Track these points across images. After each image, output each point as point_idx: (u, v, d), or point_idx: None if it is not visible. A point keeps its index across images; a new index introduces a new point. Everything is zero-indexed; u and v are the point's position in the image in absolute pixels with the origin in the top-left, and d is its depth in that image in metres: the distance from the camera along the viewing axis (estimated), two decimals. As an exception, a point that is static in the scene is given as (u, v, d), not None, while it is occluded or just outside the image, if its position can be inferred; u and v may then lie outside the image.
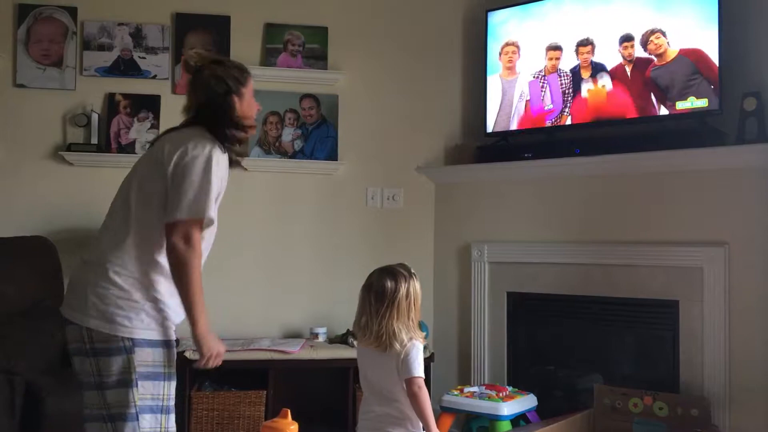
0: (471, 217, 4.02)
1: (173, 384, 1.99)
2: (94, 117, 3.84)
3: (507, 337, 3.85)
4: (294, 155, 4.02)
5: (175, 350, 2.01)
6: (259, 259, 3.97)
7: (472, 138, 4.11)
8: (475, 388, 3.41)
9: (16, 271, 3.38)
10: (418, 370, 2.17)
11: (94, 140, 3.83)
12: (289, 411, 2.47)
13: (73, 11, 3.91)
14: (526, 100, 3.86)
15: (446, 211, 4.13)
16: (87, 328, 1.90)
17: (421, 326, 3.84)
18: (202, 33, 3.99)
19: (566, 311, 3.72)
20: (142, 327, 1.92)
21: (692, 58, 3.32)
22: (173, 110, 3.92)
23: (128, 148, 3.89)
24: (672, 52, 3.39)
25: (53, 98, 3.86)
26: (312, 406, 3.59)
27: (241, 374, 3.52)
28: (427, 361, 3.70)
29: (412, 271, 2.28)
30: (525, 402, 3.32)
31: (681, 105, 3.36)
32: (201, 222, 1.94)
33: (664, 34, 3.42)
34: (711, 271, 3.20)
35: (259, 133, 4.00)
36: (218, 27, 4.00)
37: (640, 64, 3.48)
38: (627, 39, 3.52)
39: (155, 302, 1.95)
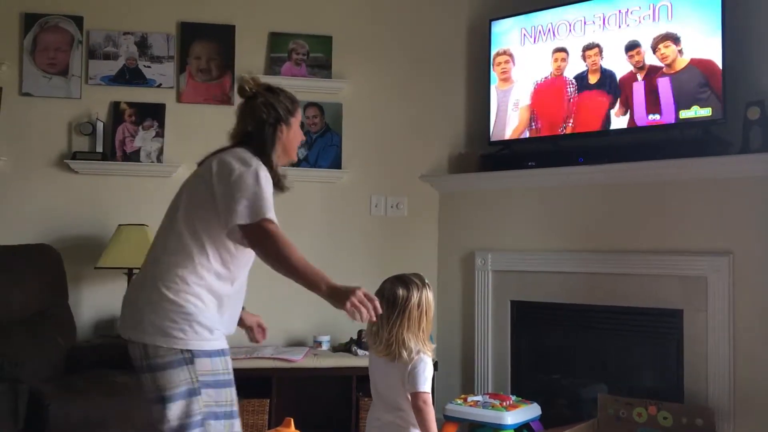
0: (475, 225, 4.02)
1: (234, 389, 2.01)
2: (100, 125, 3.86)
3: (510, 345, 3.84)
4: (298, 163, 4.03)
5: (230, 357, 2.03)
6: (263, 267, 3.95)
7: (476, 146, 4.11)
8: (478, 397, 3.40)
9: (21, 278, 3.39)
10: (424, 386, 2.14)
11: (99, 148, 3.85)
12: (292, 420, 2.47)
13: (79, 20, 3.93)
14: (523, 106, 3.86)
15: (450, 219, 4.13)
16: (144, 344, 1.93)
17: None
18: (207, 42, 4.01)
19: (570, 320, 3.72)
20: (197, 338, 1.94)
21: (702, 68, 3.31)
22: (178, 119, 3.98)
23: (133, 157, 3.90)
24: (682, 62, 3.38)
25: (59, 107, 3.89)
26: (315, 415, 3.59)
27: (244, 382, 3.49)
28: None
29: (426, 281, 2.26)
30: (529, 411, 3.31)
31: (685, 114, 3.36)
32: (266, 221, 1.93)
33: (675, 41, 3.40)
34: (715, 281, 3.19)
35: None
36: (223, 36, 4.03)
37: (650, 72, 3.47)
38: (633, 47, 3.53)
39: (206, 314, 1.97)
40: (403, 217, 4.15)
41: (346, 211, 4.09)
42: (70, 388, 2.98)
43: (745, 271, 3.14)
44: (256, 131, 2.12)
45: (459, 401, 3.37)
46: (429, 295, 2.23)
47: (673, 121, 3.40)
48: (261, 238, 1.92)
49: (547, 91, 3.82)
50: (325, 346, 3.82)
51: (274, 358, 3.54)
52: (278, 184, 2.11)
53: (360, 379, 3.67)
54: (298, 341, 3.91)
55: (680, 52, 3.39)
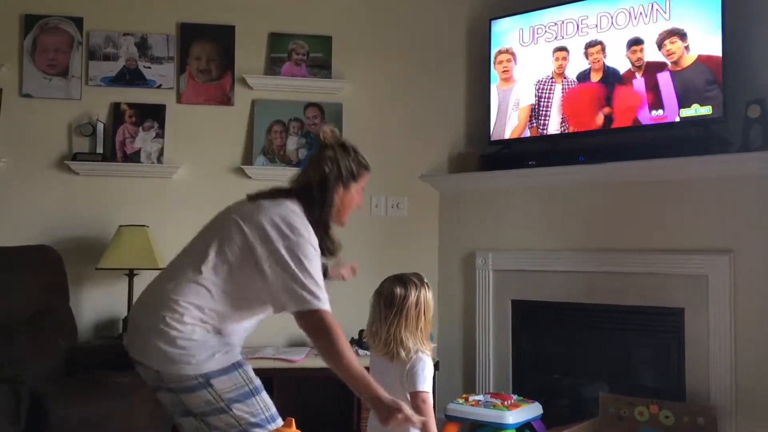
0: (475, 225, 4.01)
1: (264, 394, 1.99)
2: (100, 126, 3.86)
3: (512, 345, 3.84)
4: (298, 164, 4.02)
5: (248, 366, 2.00)
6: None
7: (476, 146, 4.11)
8: (480, 397, 3.40)
9: (22, 280, 3.39)
10: (423, 385, 2.14)
11: (100, 149, 3.85)
12: (293, 420, 2.46)
13: (78, 22, 3.93)
14: (523, 106, 3.86)
15: (451, 219, 4.13)
16: (156, 370, 1.92)
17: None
18: (207, 43, 4.01)
19: (571, 319, 3.71)
20: (208, 361, 1.91)
21: (710, 65, 3.29)
22: (178, 119, 3.98)
23: (133, 157, 3.90)
24: (689, 58, 3.36)
25: (59, 108, 3.89)
26: (316, 415, 3.58)
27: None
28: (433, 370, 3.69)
29: (425, 280, 2.26)
30: (530, 410, 3.31)
31: (685, 113, 3.36)
32: (321, 313, 1.93)
33: (682, 37, 3.38)
34: (716, 279, 3.19)
35: (264, 142, 4.01)
36: (223, 36, 4.03)
37: (650, 69, 3.46)
38: (635, 43, 3.52)
39: (215, 336, 1.96)
40: (404, 217, 4.15)
41: (346, 211, 4.08)
42: (71, 389, 2.99)
43: (746, 269, 3.13)
44: (315, 185, 2.08)
45: (460, 401, 3.37)
46: (428, 295, 2.23)
47: (673, 120, 3.40)
48: (314, 330, 1.93)
49: (578, 95, 3.80)
50: (326, 347, 3.82)
51: (275, 359, 3.54)
52: (325, 249, 2.07)
53: (361, 379, 3.66)
54: (299, 341, 3.91)
55: (687, 48, 3.36)
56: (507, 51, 3.96)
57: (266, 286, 1.94)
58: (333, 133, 2.16)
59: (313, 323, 1.92)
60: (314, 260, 1.94)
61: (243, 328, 2.06)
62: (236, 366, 1.96)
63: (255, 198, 2.07)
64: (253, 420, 1.94)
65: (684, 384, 3.27)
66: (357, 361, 1.92)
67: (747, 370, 3.12)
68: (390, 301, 2.19)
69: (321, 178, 2.08)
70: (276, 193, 2.07)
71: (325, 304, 1.92)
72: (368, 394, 1.90)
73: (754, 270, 3.12)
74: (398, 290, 2.20)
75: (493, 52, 4.00)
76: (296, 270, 1.90)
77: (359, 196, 2.20)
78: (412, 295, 2.20)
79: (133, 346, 1.99)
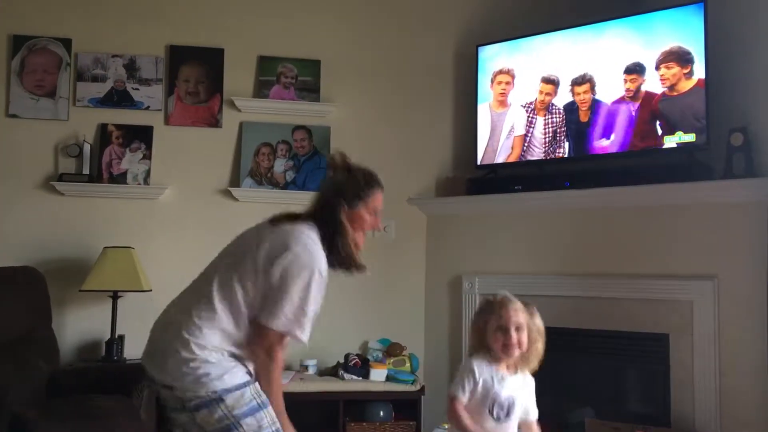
0: (462, 248, 4.02)
1: (270, 408, 2.02)
2: (87, 147, 3.85)
3: (498, 369, 3.82)
4: (286, 186, 4.03)
5: (257, 384, 2.03)
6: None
7: (464, 170, 4.13)
8: (465, 422, 3.38)
9: (4, 301, 3.34)
10: (451, 387, 2.20)
11: (86, 170, 3.84)
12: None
13: (67, 43, 3.94)
14: (517, 135, 3.89)
15: (438, 242, 4.14)
16: (172, 386, 1.97)
17: (411, 358, 3.85)
18: (196, 65, 4.03)
19: (557, 344, 3.66)
20: (221, 378, 1.95)
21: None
22: (166, 141, 3.98)
23: (120, 179, 3.89)
24: (687, 83, 3.38)
25: (46, 128, 3.88)
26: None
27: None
28: (417, 394, 3.68)
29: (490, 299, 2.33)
30: (516, 436, 3.29)
31: (669, 140, 3.40)
32: (286, 337, 2.01)
33: (679, 61, 3.39)
34: (701, 305, 3.21)
35: (251, 164, 4.01)
36: (212, 59, 4.04)
37: (646, 98, 3.48)
38: (633, 71, 3.53)
39: (229, 357, 2.01)
40: (391, 240, 4.15)
41: (333, 234, 4.08)
42: (53, 412, 2.94)
43: (730, 295, 3.16)
44: (324, 209, 2.12)
45: (446, 426, 3.35)
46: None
47: (657, 147, 3.43)
48: (266, 354, 2.00)
49: (531, 118, 3.84)
50: (311, 370, 3.80)
51: (260, 382, 3.51)
52: (343, 266, 2.12)
53: (347, 403, 3.64)
54: (285, 365, 3.87)
55: (693, 72, 3.36)
56: (508, 72, 3.97)
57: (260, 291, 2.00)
58: (342, 156, 2.20)
59: (268, 342, 2.00)
60: (312, 295, 2.00)
61: None
62: (247, 383, 2.00)
63: (276, 222, 2.11)
64: None
65: (669, 409, 3.28)
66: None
67: (732, 395, 3.13)
68: None
69: (326, 202, 2.13)
70: (295, 218, 2.11)
71: (289, 333, 2.00)
72: (283, 414, 2.05)
73: (738, 296, 3.14)
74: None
75: (493, 71, 4.01)
76: (287, 294, 1.97)
77: (373, 217, 2.19)
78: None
79: (155, 363, 2.03)
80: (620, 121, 3.55)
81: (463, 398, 2.16)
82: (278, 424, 2.03)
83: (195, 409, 1.95)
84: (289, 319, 1.98)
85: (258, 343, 2.00)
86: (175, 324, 2.01)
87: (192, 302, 2.02)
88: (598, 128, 3.62)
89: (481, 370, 2.20)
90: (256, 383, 2.03)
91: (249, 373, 2.03)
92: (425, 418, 3.68)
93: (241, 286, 2.00)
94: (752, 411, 3.08)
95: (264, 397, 2.02)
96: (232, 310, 1.99)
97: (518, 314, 2.24)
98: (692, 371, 3.21)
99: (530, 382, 2.31)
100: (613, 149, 3.57)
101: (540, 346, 2.28)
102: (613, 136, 3.57)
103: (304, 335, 2.02)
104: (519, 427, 2.27)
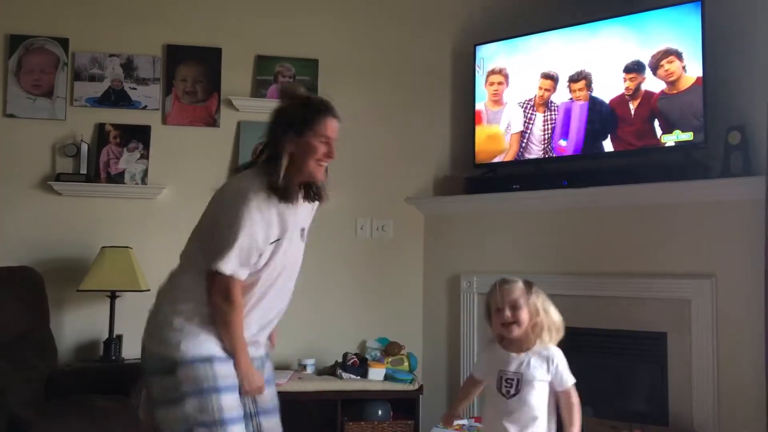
0: (460, 247, 4.02)
1: (226, 396, 1.94)
2: (84, 147, 3.85)
3: (496, 368, 3.83)
4: (283, 186, 4.03)
5: (223, 365, 1.97)
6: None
7: (461, 169, 4.13)
8: (464, 421, 3.38)
9: (2, 301, 3.34)
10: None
11: (83, 170, 3.83)
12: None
13: (64, 42, 3.93)
14: (514, 133, 3.90)
15: (436, 241, 4.14)
16: (143, 349, 2.04)
17: (409, 357, 3.85)
18: (194, 65, 4.02)
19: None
20: (177, 346, 1.93)
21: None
22: (163, 140, 3.97)
23: (117, 178, 3.88)
24: (688, 80, 3.37)
25: (43, 128, 3.87)
26: (300, 439, 3.55)
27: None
28: (416, 393, 3.68)
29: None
30: (514, 435, 3.28)
31: (667, 138, 3.40)
32: (241, 278, 1.98)
33: (679, 57, 3.39)
34: (698, 303, 3.21)
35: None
36: (209, 59, 4.04)
37: (645, 96, 3.47)
38: (632, 70, 3.53)
39: (200, 324, 1.98)
40: (389, 240, 4.15)
41: (331, 234, 4.07)
42: (51, 412, 2.94)
43: (728, 293, 3.16)
44: (269, 143, 2.06)
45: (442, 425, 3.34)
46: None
47: (655, 146, 3.43)
48: (222, 298, 1.96)
49: (530, 115, 3.85)
50: (309, 370, 3.80)
51: (259, 382, 3.51)
52: (287, 197, 2.01)
53: (345, 403, 3.64)
54: (283, 364, 3.88)
55: (686, 68, 3.36)
56: (500, 72, 3.98)
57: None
58: (294, 86, 2.15)
59: (220, 285, 1.96)
60: (242, 228, 1.94)
61: (252, 319, 2.07)
62: (208, 359, 1.95)
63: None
64: (200, 418, 1.90)
65: (667, 408, 3.28)
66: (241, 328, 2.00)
67: (730, 394, 3.13)
68: None
69: (273, 132, 2.05)
70: (241, 168, 2.13)
71: (226, 266, 1.94)
72: (244, 357, 2.01)
73: (736, 294, 3.14)
74: None
75: (486, 71, 4.02)
76: (227, 233, 1.94)
77: (325, 146, 2.04)
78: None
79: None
80: (618, 120, 3.55)
81: (478, 377, 2.33)
82: (227, 415, 1.91)
83: (149, 373, 1.98)
84: (216, 253, 1.93)
85: (210, 290, 1.95)
86: (160, 290, 2.11)
87: (174, 271, 2.11)
88: (596, 127, 3.62)
89: (492, 350, 2.28)
90: (223, 365, 1.96)
91: (214, 348, 1.97)
92: (423, 418, 3.68)
93: (200, 245, 2.04)
94: (750, 409, 3.08)
95: (224, 382, 1.94)
96: (200, 270, 1.99)
97: (512, 293, 2.23)
98: (690, 370, 3.22)
99: (555, 354, 2.29)
100: (610, 148, 3.57)
101: (543, 319, 2.25)
102: (609, 135, 3.57)
103: (225, 266, 1.92)
104: (557, 397, 2.34)
